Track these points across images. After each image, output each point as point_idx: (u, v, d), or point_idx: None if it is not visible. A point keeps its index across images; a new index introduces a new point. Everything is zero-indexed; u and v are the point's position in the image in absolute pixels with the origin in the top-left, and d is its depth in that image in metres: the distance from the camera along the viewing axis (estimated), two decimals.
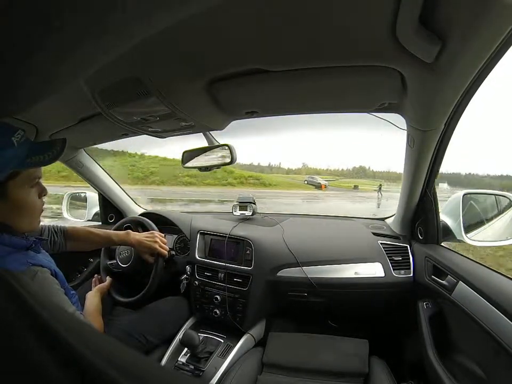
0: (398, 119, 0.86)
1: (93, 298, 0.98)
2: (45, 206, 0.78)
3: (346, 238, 1.32)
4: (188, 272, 1.34)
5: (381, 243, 1.21)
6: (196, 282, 1.32)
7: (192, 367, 1.10)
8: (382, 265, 1.14)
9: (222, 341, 1.21)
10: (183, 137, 1.05)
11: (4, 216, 0.68)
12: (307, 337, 1.20)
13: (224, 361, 1.10)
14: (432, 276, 0.98)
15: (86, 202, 1.79)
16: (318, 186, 20.51)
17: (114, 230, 1.27)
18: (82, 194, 1.83)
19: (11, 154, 0.57)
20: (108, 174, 1.63)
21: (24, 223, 0.71)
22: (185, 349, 1.14)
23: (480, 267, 0.85)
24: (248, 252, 1.26)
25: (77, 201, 1.87)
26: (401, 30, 0.47)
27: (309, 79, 0.68)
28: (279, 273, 1.21)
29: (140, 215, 1.56)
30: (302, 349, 1.13)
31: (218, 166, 1.17)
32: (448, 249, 1.02)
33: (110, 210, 1.77)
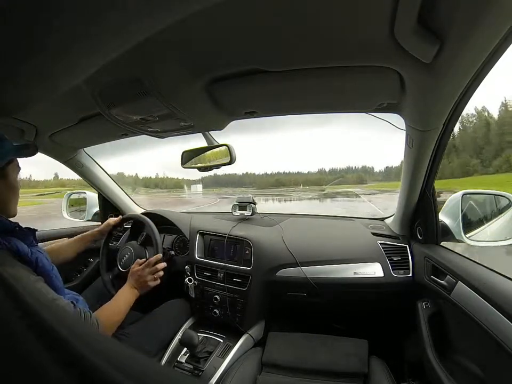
0: (397, 119, 0.86)
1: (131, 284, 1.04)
2: None
3: (346, 238, 1.32)
4: (188, 272, 1.34)
5: (380, 243, 1.21)
6: (195, 282, 1.33)
7: (192, 366, 1.09)
8: (381, 265, 1.14)
9: (222, 340, 1.22)
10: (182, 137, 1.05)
11: (2, 195, 0.76)
12: (306, 337, 1.20)
13: (223, 361, 1.10)
14: (431, 276, 0.98)
15: (86, 202, 1.79)
16: None
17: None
18: (82, 195, 1.83)
19: (9, 147, 0.73)
20: (107, 174, 1.63)
21: (13, 204, 0.80)
22: (185, 349, 1.14)
23: (479, 267, 0.85)
24: (247, 252, 1.26)
25: (77, 201, 1.87)
26: (399, 30, 0.47)
27: (307, 79, 0.68)
28: (278, 273, 1.21)
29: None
30: (301, 349, 1.13)
31: (217, 166, 1.17)
32: (447, 249, 1.02)
33: (110, 210, 1.77)
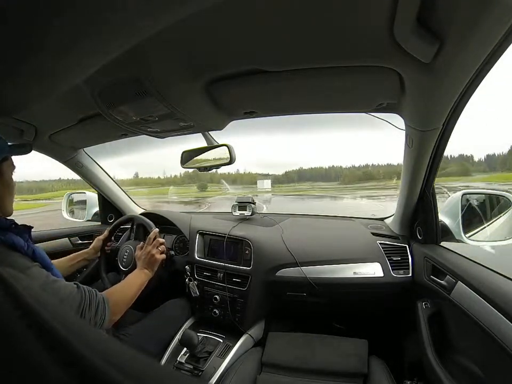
0: (397, 119, 0.86)
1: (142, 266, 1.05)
2: None
3: (346, 238, 1.32)
4: (188, 272, 1.34)
5: (380, 243, 1.21)
6: (195, 282, 1.33)
7: (191, 367, 1.09)
8: (381, 265, 1.14)
9: (221, 340, 1.22)
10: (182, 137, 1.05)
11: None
12: (306, 337, 1.20)
13: (223, 361, 1.10)
14: (431, 276, 0.98)
15: (86, 202, 1.79)
16: None
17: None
18: (82, 195, 1.83)
19: (2, 144, 0.74)
20: (107, 174, 1.63)
21: (9, 203, 0.79)
22: (184, 349, 1.14)
23: (479, 267, 0.85)
24: (247, 252, 1.26)
25: (77, 201, 1.87)
26: (399, 29, 0.47)
27: (307, 79, 0.68)
28: (278, 273, 1.21)
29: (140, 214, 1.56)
30: (301, 349, 1.13)
31: (217, 166, 1.17)
32: (447, 249, 1.02)
33: (110, 210, 1.77)
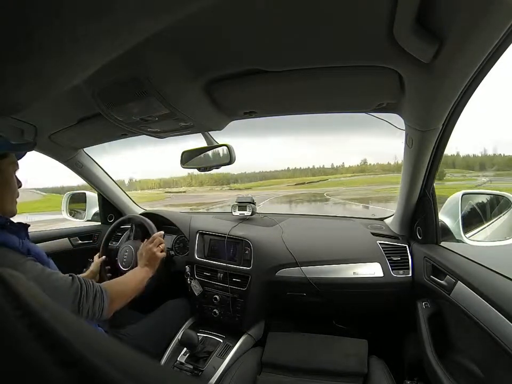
0: (397, 119, 0.87)
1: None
2: None
3: (345, 238, 1.32)
4: (188, 273, 1.34)
5: (380, 243, 1.21)
6: (197, 279, 1.33)
7: (191, 366, 1.10)
8: (381, 265, 1.14)
9: (221, 340, 1.22)
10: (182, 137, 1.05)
11: None
12: (306, 337, 1.20)
13: (223, 361, 1.10)
14: (431, 276, 0.98)
15: (86, 202, 1.79)
16: None
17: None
18: (82, 194, 1.83)
19: (1, 141, 0.74)
20: (107, 174, 1.63)
21: (9, 202, 0.78)
22: (185, 349, 1.14)
23: (479, 267, 0.85)
24: (247, 252, 1.26)
25: (77, 201, 1.87)
26: (398, 29, 0.47)
27: (307, 79, 0.68)
28: (278, 273, 1.21)
29: (139, 215, 1.56)
30: (301, 349, 1.14)
31: (217, 166, 1.17)
32: (447, 249, 1.02)
33: (110, 210, 1.77)
